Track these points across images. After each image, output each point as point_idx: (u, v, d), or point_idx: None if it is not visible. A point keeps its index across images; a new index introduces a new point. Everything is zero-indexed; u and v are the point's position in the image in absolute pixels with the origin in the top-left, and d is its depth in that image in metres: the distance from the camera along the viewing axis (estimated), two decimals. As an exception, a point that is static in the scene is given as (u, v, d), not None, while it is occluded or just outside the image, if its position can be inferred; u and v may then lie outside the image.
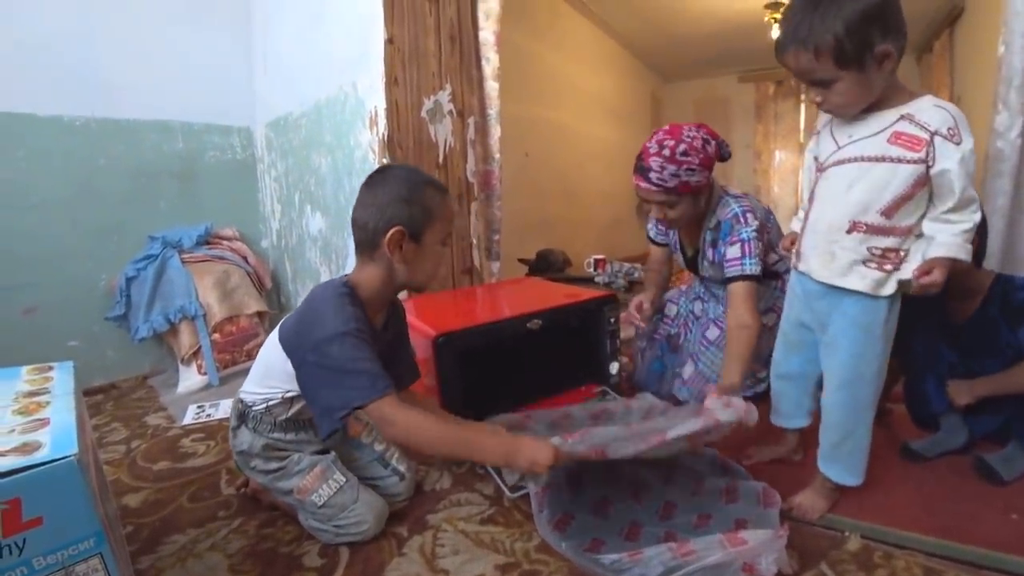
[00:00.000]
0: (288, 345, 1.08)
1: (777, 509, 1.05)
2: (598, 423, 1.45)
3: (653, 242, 1.78)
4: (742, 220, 1.43)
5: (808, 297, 1.14)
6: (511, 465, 0.98)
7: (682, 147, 1.36)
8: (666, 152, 1.36)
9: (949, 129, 0.90)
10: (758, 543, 0.92)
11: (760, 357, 1.52)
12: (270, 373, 1.14)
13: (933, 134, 0.90)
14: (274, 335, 1.13)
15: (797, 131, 7.27)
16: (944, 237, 0.94)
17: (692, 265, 1.68)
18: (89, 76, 2.20)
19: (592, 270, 3.40)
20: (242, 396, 1.20)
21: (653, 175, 1.37)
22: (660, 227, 1.72)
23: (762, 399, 1.48)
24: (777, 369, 1.29)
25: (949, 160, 0.90)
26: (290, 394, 1.14)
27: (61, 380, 0.97)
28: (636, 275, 3.17)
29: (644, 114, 7.00)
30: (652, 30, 5.62)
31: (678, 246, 1.70)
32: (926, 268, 0.94)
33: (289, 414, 1.18)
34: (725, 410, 1.05)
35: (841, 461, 1.14)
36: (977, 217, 0.93)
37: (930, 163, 0.91)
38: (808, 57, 0.91)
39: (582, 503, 1.19)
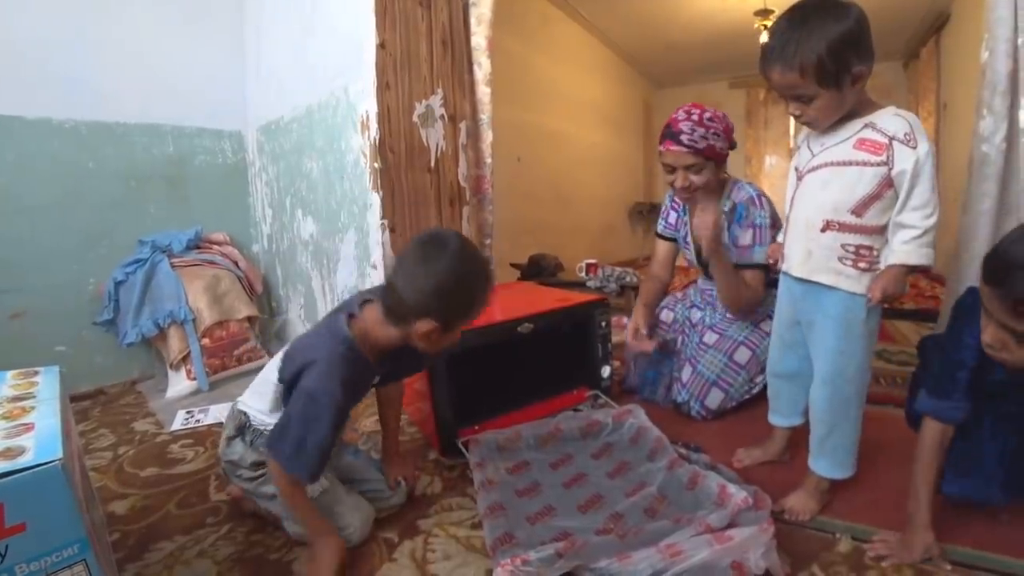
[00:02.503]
0: (285, 383, 1.07)
1: (767, 511, 1.05)
2: (586, 439, 1.45)
3: (661, 237, 1.83)
4: (757, 203, 1.53)
5: (793, 297, 1.18)
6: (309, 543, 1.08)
7: (708, 113, 1.50)
8: (695, 117, 1.48)
9: (906, 134, 0.98)
10: (744, 539, 0.93)
11: (758, 362, 1.58)
12: (273, 398, 1.12)
13: (891, 139, 0.99)
14: (277, 364, 1.11)
15: (787, 136, 7.34)
16: (896, 244, 1.01)
17: (704, 261, 1.68)
18: (79, 79, 2.19)
19: (584, 274, 3.40)
20: (244, 409, 1.17)
21: (684, 137, 1.47)
22: (670, 220, 1.79)
23: (757, 400, 1.49)
24: (773, 368, 1.31)
25: (906, 161, 0.97)
26: None
27: (47, 385, 0.96)
28: (628, 279, 3.18)
29: (636, 120, 7.05)
30: (644, 37, 5.66)
31: (689, 240, 1.72)
32: (873, 288, 1.02)
33: None
34: (717, 514, 1.02)
35: (827, 456, 1.17)
36: (932, 221, 0.98)
37: (891, 165, 0.99)
38: (793, 76, 0.99)
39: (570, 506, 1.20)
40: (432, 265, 0.98)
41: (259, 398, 1.17)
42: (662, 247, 1.84)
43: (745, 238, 1.54)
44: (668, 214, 1.81)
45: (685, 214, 1.74)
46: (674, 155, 1.51)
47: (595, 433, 1.47)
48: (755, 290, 1.55)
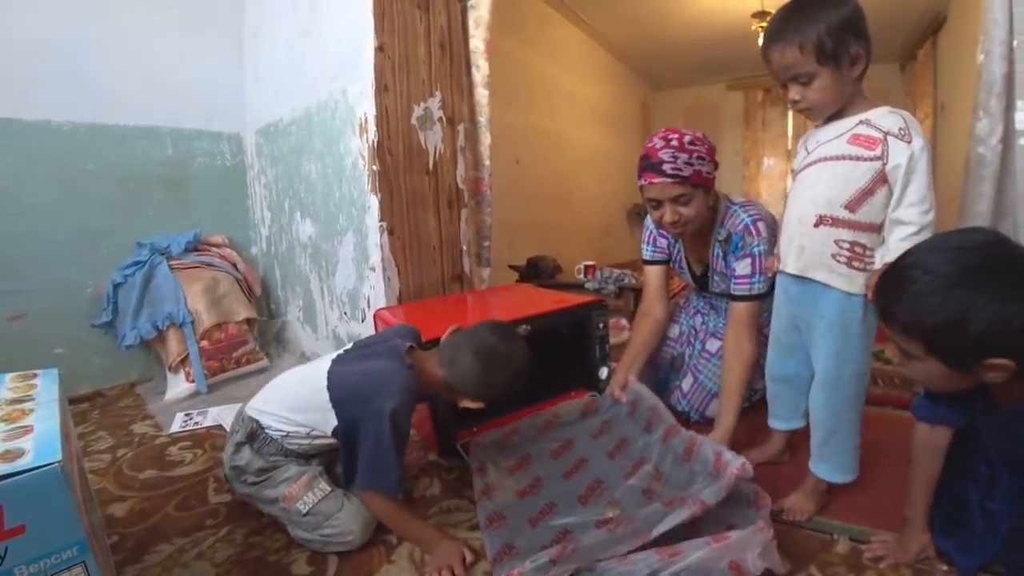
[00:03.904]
0: (340, 402, 1.14)
1: (767, 511, 1.05)
2: (586, 418, 1.45)
3: (650, 263, 1.66)
4: (753, 231, 1.40)
5: (790, 299, 1.18)
6: (427, 552, 1.12)
7: (687, 137, 1.35)
8: (674, 143, 1.33)
9: (900, 129, 0.99)
10: (742, 539, 0.92)
11: (758, 368, 1.49)
12: (304, 412, 1.18)
13: (886, 134, 1.00)
14: (317, 380, 1.16)
15: (785, 137, 7.35)
16: (892, 241, 1.00)
17: (701, 282, 1.64)
18: (78, 81, 2.19)
19: (582, 276, 3.41)
20: (257, 417, 1.20)
21: (667, 167, 1.32)
22: (659, 244, 1.64)
23: (758, 405, 1.48)
24: (772, 372, 1.31)
25: (900, 156, 0.98)
26: (314, 433, 1.18)
27: (45, 387, 0.97)
28: (626, 281, 3.18)
29: (634, 122, 7.06)
30: (642, 39, 5.67)
31: (684, 265, 1.65)
32: (869, 287, 1.00)
33: (301, 448, 1.21)
34: (713, 488, 1.01)
35: (827, 460, 1.17)
36: (929, 218, 0.98)
37: (885, 160, 0.99)
38: (793, 51, 1.00)
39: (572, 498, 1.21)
40: (505, 374, 1.19)
41: (274, 406, 1.21)
42: (653, 273, 1.66)
43: (743, 268, 1.41)
44: (655, 240, 1.64)
45: (676, 241, 1.63)
46: (658, 188, 1.35)
47: (593, 411, 1.47)
48: (748, 344, 1.39)
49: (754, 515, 1.05)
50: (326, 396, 1.14)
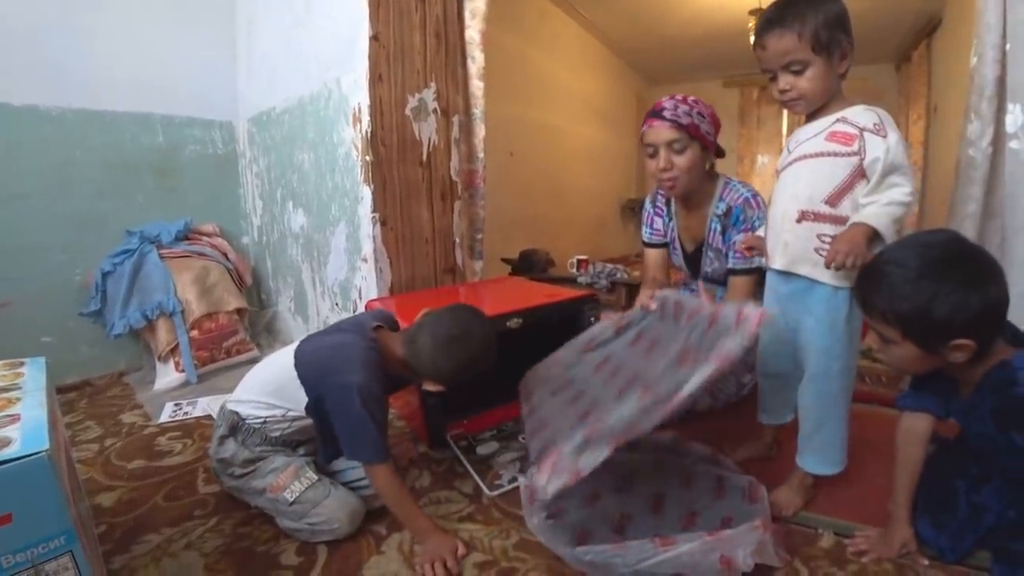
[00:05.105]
0: (307, 379, 1.15)
1: (761, 504, 1.06)
2: (620, 334, 1.44)
3: (649, 245, 1.71)
4: (754, 204, 1.45)
5: (779, 298, 1.19)
6: (419, 543, 1.12)
7: (692, 98, 1.43)
8: (678, 97, 1.41)
9: (875, 125, 1.02)
10: (736, 534, 0.93)
11: (746, 363, 1.49)
12: (278, 393, 1.19)
13: (862, 130, 1.03)
14: (287, 359, 1.19)
15: (779, 135, 7.37)
16: (866, 210, 1.02)
17: (692, 262, 1.65)
18: (67, 66, 2.16)
19: (575, 270, 3.42)
20: (236, 408, 1.22)
21: (667, 112, 1.39)
22: (655, 226, 1.67)
23: (746, 401, 1.49)
24: (764, 368, 1.32)
25: (877, 150, 1.00)
26: (291, 414, 1.20)
27: (33, 376, 0.96)
28: (618, 276, 3.19)
29: (629, 116, 7.04)
30: (639, 33, 5.65)
31: (677, 245, 1.66)
32: (831, 250, 1.01)
33: (283, 433, 1.22)
34: (734, 338, 0.94)
35: (814, 452, 1.18)
36: (905, 198, 1.00)
37: (862, 155, 1.02)
38: (792, 37, 1.03)
39: (575, 496, 1.20)
40: (455, 356, 1.16)
41: (251, 393, 1.22)
42: (652, 254, 1.70)
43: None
44: (652, 220, 1.68)
45: (671, 220, 1.65)
46: (655, 131, 1.40)
47: (626, 326, 1.46)
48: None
49: (748, 508, 1.06)
50: (295, 374, 1.16)
